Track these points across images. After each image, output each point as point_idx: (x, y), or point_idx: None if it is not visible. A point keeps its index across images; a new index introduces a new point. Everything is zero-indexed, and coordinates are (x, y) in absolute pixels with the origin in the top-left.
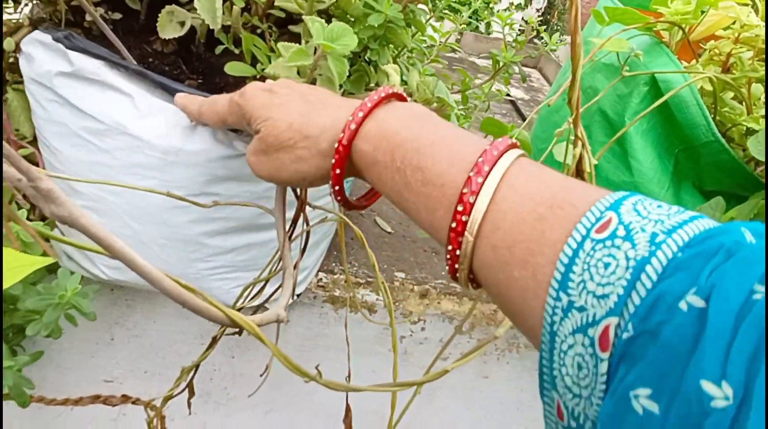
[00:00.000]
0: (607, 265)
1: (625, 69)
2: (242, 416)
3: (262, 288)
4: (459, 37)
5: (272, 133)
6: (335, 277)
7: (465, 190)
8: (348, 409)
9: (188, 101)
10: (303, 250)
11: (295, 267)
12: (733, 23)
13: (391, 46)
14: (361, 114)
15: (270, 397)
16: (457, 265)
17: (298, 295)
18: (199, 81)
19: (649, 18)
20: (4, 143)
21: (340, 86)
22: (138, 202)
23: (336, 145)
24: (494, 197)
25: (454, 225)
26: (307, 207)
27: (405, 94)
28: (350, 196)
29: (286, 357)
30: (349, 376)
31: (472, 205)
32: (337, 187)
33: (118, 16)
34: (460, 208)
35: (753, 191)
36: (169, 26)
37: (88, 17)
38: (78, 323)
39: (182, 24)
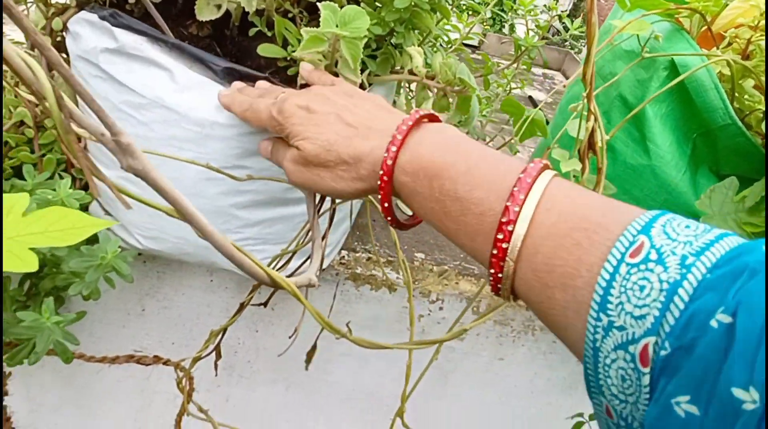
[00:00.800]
0: (642, 288)
1: (645, 51)
2: (263, 391)
3: (288, 260)
4: (483, 39)
5: (310, 152)
6: (357, 255)
7: (503, 220)
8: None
9: (231, 102)
10: (330, 222)
11: (323, 237)
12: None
13: (417, 31)
14: (394, 149)
15: (289, 374)
16: (499, 285)
17: (322, 269)
18: (232, 62)
19: (669, 4)
20: (82, 103)
21: (365, 68)
22: (174, 173)
23: (378, 182)
24: (532, 222)
25: (495, 252)
26: None
27: (436, 114)
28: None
29: (320, 314)
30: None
31: (511, 232)
32: (389, 218)
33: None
34: (500, 237)
35: None
36: (207, 9)
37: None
38: (116, 286)
39: (219, 7)
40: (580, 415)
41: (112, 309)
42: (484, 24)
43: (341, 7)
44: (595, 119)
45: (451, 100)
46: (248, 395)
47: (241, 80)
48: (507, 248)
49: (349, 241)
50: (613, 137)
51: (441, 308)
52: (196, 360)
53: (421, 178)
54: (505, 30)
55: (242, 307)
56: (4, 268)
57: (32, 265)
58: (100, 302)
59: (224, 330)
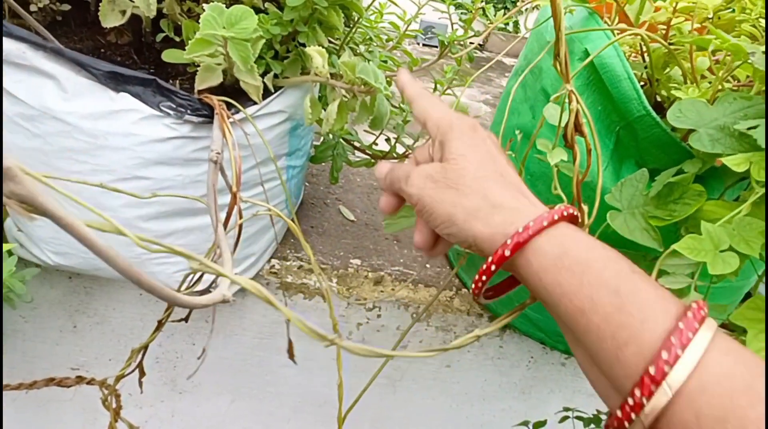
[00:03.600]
0: None
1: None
2: (208, 404)
3: (203, 273)
4: (487, 37)
5: (436, 221)
6: (288, 263)
7: (673, 340)
8: (290, 343)
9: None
10: (237, 242)
11: (234, 249)
12: None
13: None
14: (518, 240)
15: (234, 387)
16: (633, 414)
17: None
18: (151, 71)
19: None
20: None
21: (269, 70)
22: (73, 186)
23: (492, 257)
24: (704, 357)
25: (652, 371)
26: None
27: (575, 213)
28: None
29: (303, 321)
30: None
31: (678, 357)
32: (478, 286)
33: (66, 7)
34: (664, 356)
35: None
36: (111, 15)
37: (32, 8)
38: (45, 303)
39: (123, 13)
40: (526, 423)
41: (45, 327)
42: (488, 21)
43: (254, 7)
44: (577, 101)
45: (368, 100)
46: (193, 409)
47: (126, 84)
48: (668, 372)
49: (281, 249)
50: (533, 127)
51: (379, 315)
52: (119, 378)
53: (567, 270)
54: (510, 28)
55: (160, 324)
56: None
57: None
58: (32, 320)
59: (145, 347)
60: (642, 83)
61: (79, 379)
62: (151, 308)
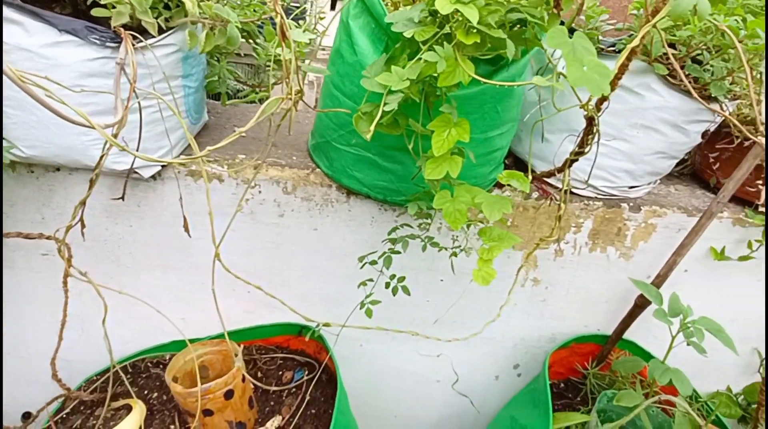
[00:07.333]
0: None
1: None
2: (146, 276)
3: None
4: None
5: None
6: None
7: None
8: (185, 219)
9: None
10: (140, 126)
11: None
12: None
13: None
14: None
15: (162, 260)
16: None
17: (162, 167)
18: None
19: None
20: None
21: (161, 14)
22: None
23: None
24: None
25: None
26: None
27: None
28: None
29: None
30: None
31: None
32: None
33: None
34: None
35: None
36: None
37: None
38: (19, 200)
39: None
40: (374, 263)
41: (20, 220)
42: None
43: None
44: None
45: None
46: (135, 281)
47: (67, 25)
48: None
49: (189, 149)
50: (340, 45)
51: (260, 192)
52: (68, 228)
53: None
54: None
55: (92, 182)
56: None
57: None
58: (12, 214)
59: (84, 202)
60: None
61: (41, 235)
62: (97, 199)
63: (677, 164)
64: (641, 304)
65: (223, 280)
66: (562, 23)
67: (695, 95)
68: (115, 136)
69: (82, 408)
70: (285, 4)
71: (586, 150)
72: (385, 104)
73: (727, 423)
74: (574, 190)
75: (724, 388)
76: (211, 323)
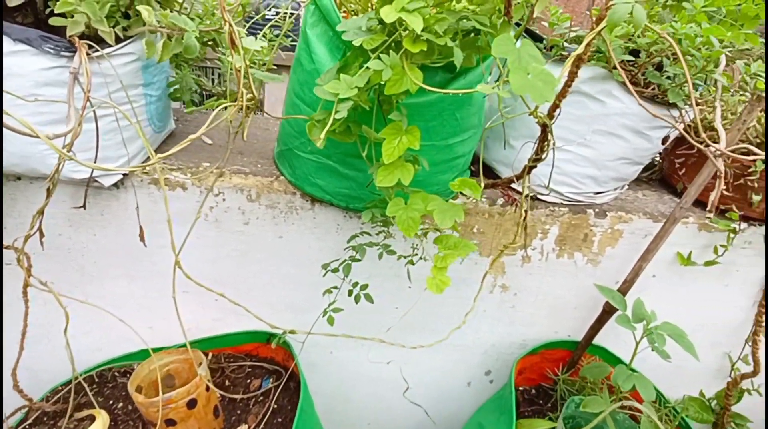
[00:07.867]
0: None
1: None
2: (112, 286)
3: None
4: None
5: None
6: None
7: None
8: (140, 228)
9: None
10: (97, 135)
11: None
12: None
13: None
14: None
15: (127, 269)
16: None
17: (125, 175)
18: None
19: None
20: None
21: (118, 24)
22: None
23: None
24: None
25: None
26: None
27: None
28: None
29: None
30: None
31: None
32: None
33: None
34: None
35: None
36: None
37: None
38: None
39: None
40: (335, 271)
41: None
42: None
43: None
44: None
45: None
46: (100, 290)
47: (21, 35)
48: None
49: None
50: (299, 53)
51: (224, 199)
52: (27, 238)
53: None
54: None
55: (49, 192)
56: None
57: None
58: None
59: (42, 211)
60: (344, 12)
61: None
62: (59, 207)
63: (646, 170)
64: (609, 310)
65: (192, 288)
66: (518, 25)
67: (639, 100)
68: (71, 145)
69: (45, 419)
70: (254, 12)
71: (543, 156)
72: (336, 112)
73: (691, 424)
74: (539, 197)
75: (698, 393)
76: (178, 331)
